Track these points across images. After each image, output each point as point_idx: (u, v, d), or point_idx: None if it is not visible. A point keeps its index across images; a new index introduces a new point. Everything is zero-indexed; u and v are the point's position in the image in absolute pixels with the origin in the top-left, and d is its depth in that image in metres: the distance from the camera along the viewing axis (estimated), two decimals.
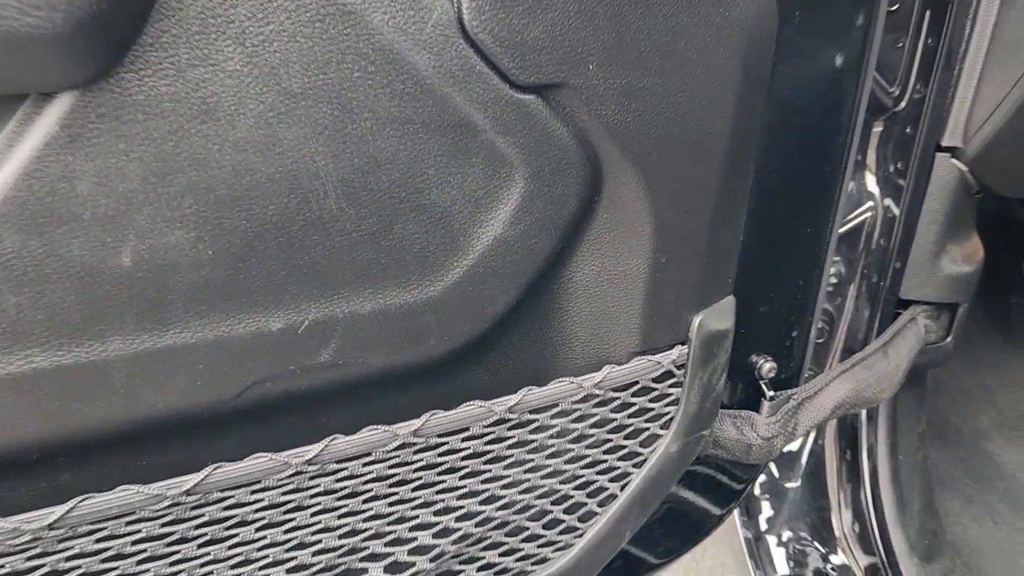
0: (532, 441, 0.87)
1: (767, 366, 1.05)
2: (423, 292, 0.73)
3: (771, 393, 1.06)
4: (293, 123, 0.62)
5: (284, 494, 0.76)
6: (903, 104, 1.24)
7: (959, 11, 1.13)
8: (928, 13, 1.17)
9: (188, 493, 0.71)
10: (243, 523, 0.75)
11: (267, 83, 0.60)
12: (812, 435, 1.41)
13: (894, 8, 1.16)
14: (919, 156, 1.23)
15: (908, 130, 1.24)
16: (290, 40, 0.60)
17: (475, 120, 0.69)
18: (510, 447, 0.86)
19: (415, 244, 0.71)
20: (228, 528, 0.75)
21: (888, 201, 1.30)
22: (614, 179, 0.79)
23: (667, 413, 0.95)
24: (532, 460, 0.89)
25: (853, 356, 1.19)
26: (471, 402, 0.82)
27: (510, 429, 0.86)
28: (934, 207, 1.25)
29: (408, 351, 0.75)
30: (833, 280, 1.34)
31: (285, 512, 0.77)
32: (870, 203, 1.31)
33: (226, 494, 0.74)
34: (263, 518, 0.76)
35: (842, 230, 1.33)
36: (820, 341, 1.33)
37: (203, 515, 0.73)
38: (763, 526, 1.43)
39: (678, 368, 0.93)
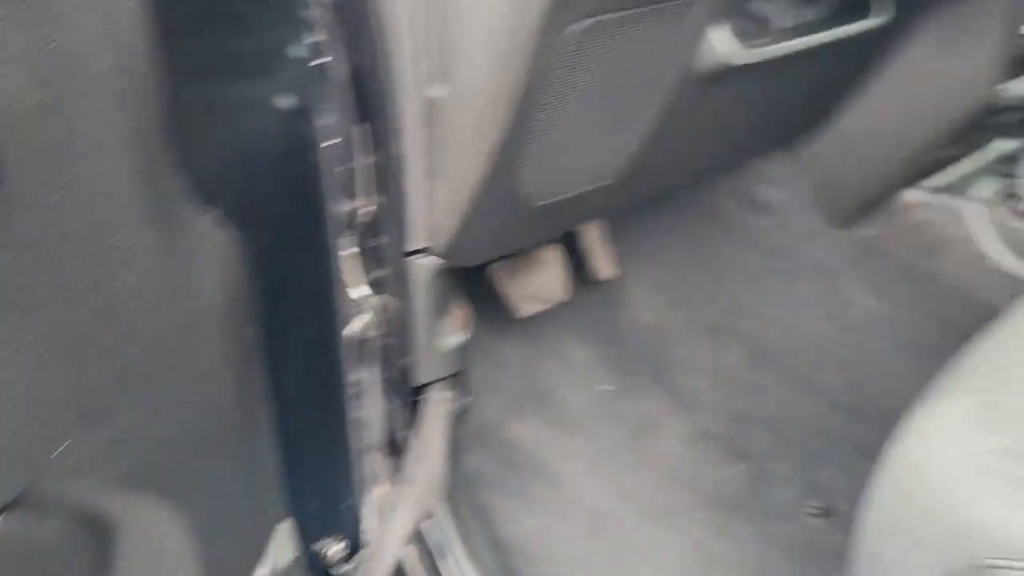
0: None
1: (333, 549, 1.02)
2: None
3: (343, 570, 1.04)
4: None
5: None
6: (367, 219, 1.26)
7: (385, 133, 1.17)
8: (362, 137, 1.19)
9: None
10: None
11: None
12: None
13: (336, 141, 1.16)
14: (393, 262, 1.28)
15: (379, 240, 1.27)
16: None
17: None
18: None
19: None
20: None
21: (382, 302, 1.34)
22: (128, 527, 0.67)
23: None
24: None
25: (401, 475, 1.21)
26: None
27: None
28: (421, 301, 1.32)
29: None
30: (360, 389, 1.35)
31: None
32: (370, 311, 1.33)
33: None
34: None
35: (349, 335, 1.34)
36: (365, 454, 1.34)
37: None
38: None
39: None
